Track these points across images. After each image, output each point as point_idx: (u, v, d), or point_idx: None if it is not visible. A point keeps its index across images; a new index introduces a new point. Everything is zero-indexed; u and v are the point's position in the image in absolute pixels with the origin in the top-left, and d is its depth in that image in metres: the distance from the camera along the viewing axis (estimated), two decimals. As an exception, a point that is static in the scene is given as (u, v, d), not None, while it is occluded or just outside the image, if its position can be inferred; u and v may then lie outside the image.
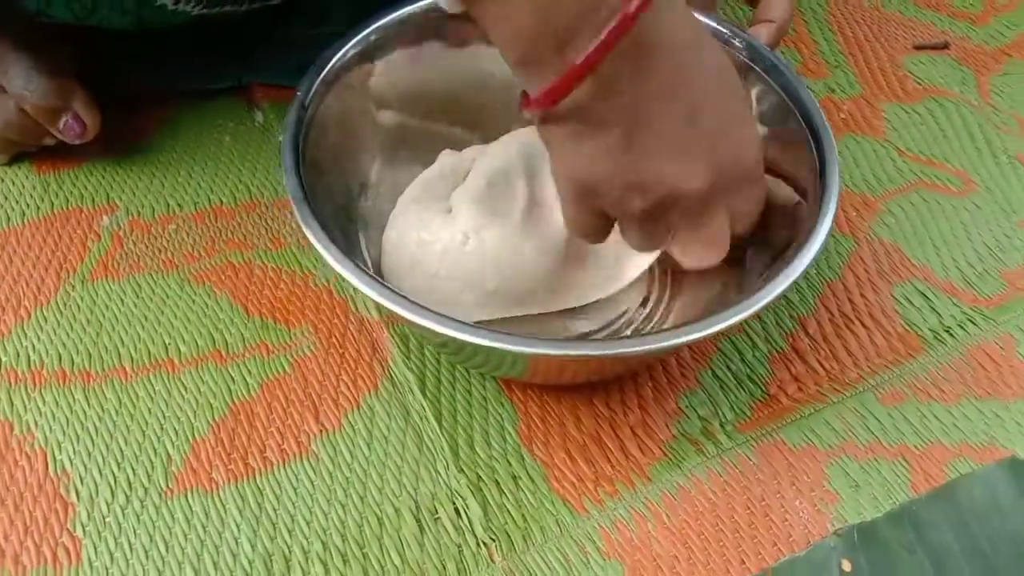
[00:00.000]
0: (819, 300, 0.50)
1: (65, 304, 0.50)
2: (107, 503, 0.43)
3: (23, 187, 0.56)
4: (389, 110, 0.50)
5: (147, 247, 0.53)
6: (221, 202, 0.55)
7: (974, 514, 0.41)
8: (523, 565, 0.41)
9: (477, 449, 0.45)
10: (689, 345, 0.45)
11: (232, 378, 0.47)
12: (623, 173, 0.37)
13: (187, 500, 0.43)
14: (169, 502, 0.43)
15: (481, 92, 0.50)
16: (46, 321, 0.49)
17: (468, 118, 0.52)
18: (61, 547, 0.42)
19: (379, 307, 0.50)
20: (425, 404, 0.46)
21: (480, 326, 0.38)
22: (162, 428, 0.45)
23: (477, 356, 0.45)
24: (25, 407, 0.46)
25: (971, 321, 0.49)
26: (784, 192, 0.45)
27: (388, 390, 0.47)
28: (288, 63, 0.59)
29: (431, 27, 0.49)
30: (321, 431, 0.45)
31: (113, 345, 0.48)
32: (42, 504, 0.43)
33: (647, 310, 0.48)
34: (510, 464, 0.44)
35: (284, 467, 0.44)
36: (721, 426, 0.45)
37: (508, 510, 0.43)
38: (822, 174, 0.43)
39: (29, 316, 0.50)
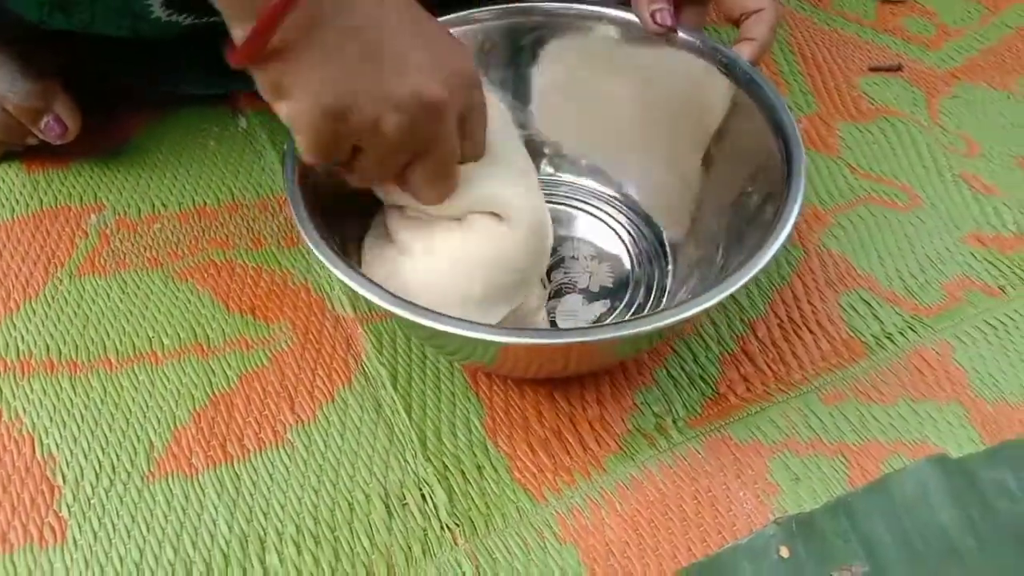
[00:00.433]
0: (769, 306, 0.53)
1: (53, 297, 0.52)
2: (91, 486, 0.45)
3: (13, 185, 0.58)
4: None
5: (133, 245, 0.55)
6: (205, 203, 0.58)
7: (905, 506, 0.44)
8: (484, 548, 0.44)
9: (444, 440, 0.47)
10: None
11: (212, 370, 0.50)
12: (375, 86, 0.38)
13: (168, 484, 0.45)
14: (151, 486, 0.45)
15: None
16: (35, 313, 0.52)
17: None
18: (47, 527, 0.44)
19: (354, 304, 0.53)
20: (396, 397, 0.49)
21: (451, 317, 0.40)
22: (145, 416, 0.48)
23: (449, 344, 0.47)
24: (14, 394, 0.48)
25: (911, 328, 0.53)
26: None
27: (361, 384, 0.49)
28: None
29: None
30: (297, 421, 0.48)
31: (99, 337, 0.51)
32: (29, 486, 0.45)
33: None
34: (475, 455, 0.47)
35: (261, 455, 0.47)
36: (673, 422, 0.48)
37: (472, 497, 0.45)
38: (788, 185, 0.45)
39: (18, 308, 0.52)
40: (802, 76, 0.68)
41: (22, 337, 0.51)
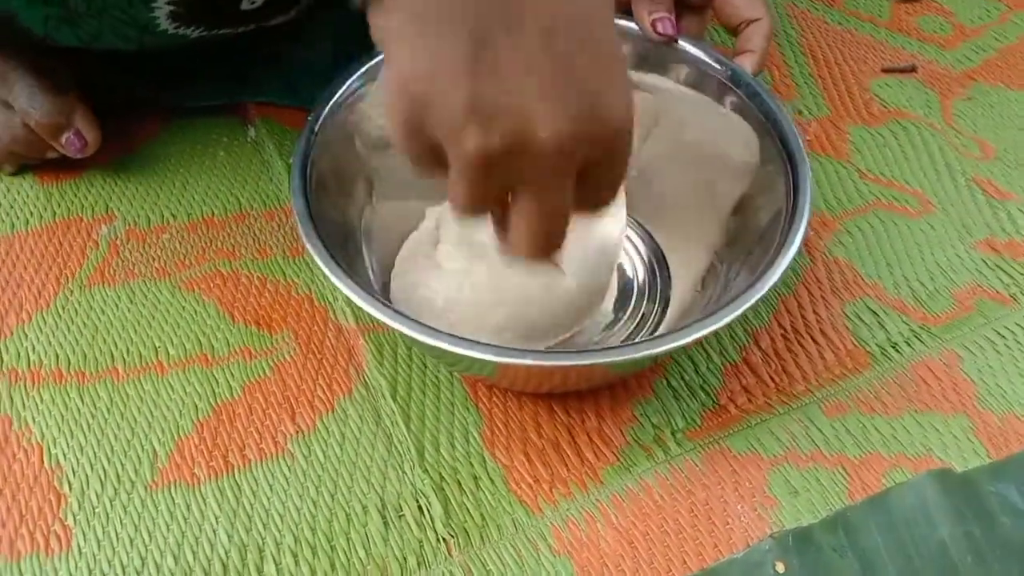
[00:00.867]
0: (773, 316, 0.53)
1: (64, 308, 0.54)
2: (97, 495, 0.46)
3: (27, 197, 0.59)
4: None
5: (141, 255, 0.56)
6: (212, 213, 0.58)
7: (904, 521, 0.44)
8: (479, 560, 0.44)
9: (442, 451, 0.48)
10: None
11: (216, 380, 0.50)
12: (466, 89, 0.30)
13: (171, 493, 0.46)
14: (154, 495, 0.46)
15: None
16: (45, 323, 0.53)
17: None
18: (53, 535, 0.45)
19: (357, 314, 0.53)
20: (395, 408, 0.49)
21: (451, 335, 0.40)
22: (150, 426, 0.49)
23: (448, 356, 0.47)
24: (24, 404, 0.50)
25: (918, 338, 0.52)
26: None
27: (361, 394, 0.50)
28: (280, 83, 0.63)
29: None
30: (297, 432, 0.48)
31: (107, 347, 0.52)
32: (37, 495, 0.46)
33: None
34: (472, 466, 0.47)
35: (261, 465, 0.47)
36: (672, 434, 0.48)
37: (468, 509, 0.46)
38: (795, 201, 0.45)
39: (30, 319, 0.53)
40: (813, 79, 0.67)
41: (33, 347, 0.52)
